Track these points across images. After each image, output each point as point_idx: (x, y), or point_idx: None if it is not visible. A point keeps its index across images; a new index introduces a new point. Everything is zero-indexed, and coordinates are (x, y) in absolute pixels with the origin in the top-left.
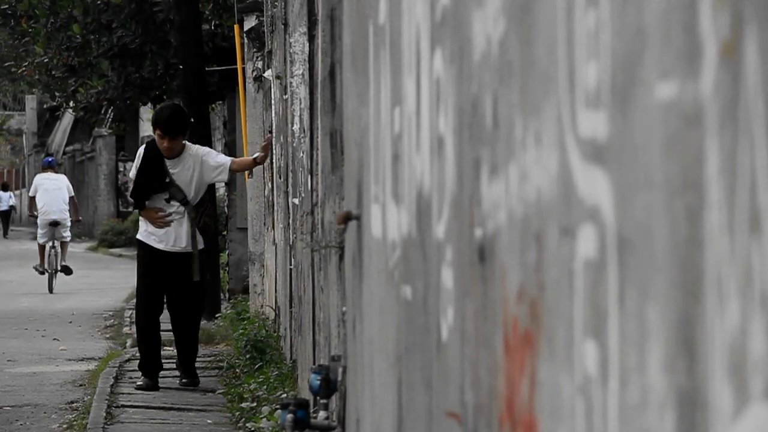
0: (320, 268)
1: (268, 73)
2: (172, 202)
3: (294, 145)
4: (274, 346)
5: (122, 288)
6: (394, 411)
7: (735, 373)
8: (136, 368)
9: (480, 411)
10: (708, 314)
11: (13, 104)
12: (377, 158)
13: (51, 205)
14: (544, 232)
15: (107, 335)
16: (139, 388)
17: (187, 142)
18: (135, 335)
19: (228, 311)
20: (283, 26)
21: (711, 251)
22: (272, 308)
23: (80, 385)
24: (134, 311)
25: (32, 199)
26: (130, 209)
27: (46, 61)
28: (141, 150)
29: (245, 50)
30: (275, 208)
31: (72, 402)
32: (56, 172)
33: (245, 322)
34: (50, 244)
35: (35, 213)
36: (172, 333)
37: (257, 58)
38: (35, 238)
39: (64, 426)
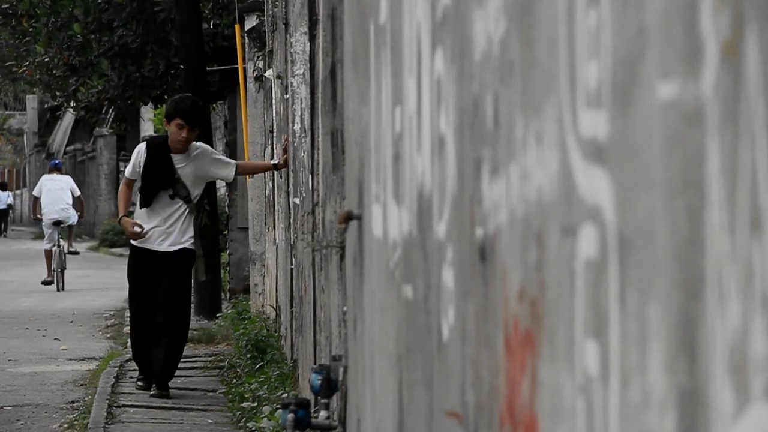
0: (321, 267)
1: (269, 73)
2: (175, 199)
3: (295, 144)
4: (275, 345)
5: (123, 288)
6: (395, 411)
7: (736, 372)
8: (137, 368)
9: (481, 411)
10: (709, 314)
11: (14, 104)
12: (378, 158)
13: (53, 205)
14: (545, 231)
15: (108, 335)
16: (140, 388)
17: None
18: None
19: (229, 311)
20: (284, 26)
21: (712, 251)
22: (273, 308)
23: (81, 385)
24: (129, 319)
25: (36, 200)
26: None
27: (46, 60)
28: (141, 147)
29: (246, 50)
30: (276, 207)
31: (73, 401)
32: (61, 174)
33: (246, 321)
34: (56, 247)
35: (39, 216)
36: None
37: (258, 57)
38: (36, 238)
39: (65, 426)
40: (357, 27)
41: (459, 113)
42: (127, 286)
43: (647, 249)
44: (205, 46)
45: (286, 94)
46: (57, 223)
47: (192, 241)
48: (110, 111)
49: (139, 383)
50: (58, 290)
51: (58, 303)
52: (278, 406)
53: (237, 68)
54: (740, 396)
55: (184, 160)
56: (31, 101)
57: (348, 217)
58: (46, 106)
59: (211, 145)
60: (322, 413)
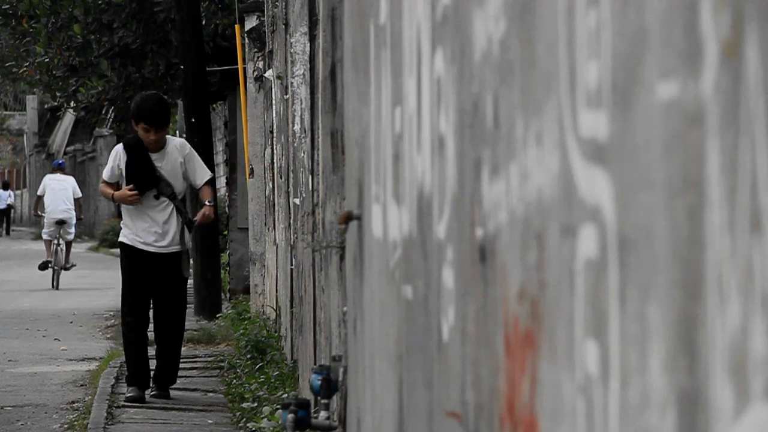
0: (321, 268)
1: (269, 73)
2: (161, 198)
3: (295, 145)
4: (275, 346)
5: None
6: (395, 411)
7: (736, 372)
8: (125, 359)
9: (481, 411)
10: (709, 314)
11: (14, 104)
12: (378, 158)
13: (56, 205)
14: (545, 231)
15: (108, 335)
16: (129, 400)
17: (167, 137)
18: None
19: (229, 311)
20: (284, 26)
21: (712, 251)
22: (273, 308)
23: (81, 385)
24: (120, 321)
25: (39, 198)
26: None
27: (47, 60)
28: (119, 149)
29: (246, 50)
30: (276, 208)
31: (73, 402)
32: (65, 174)
33: (246, 322)
34: (56, 241)
35: (40, 213)
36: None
37: (258, 58)
38: (37, 238)
39: (65, 426)
40: (357, 27)
41: (459, 113)
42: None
43: (647, 249)
44: (205, 47)
45: (286, 94)
46: (59, 222)
47: (183, 241)
48: (110, 111)
49: (129, 394)
50: (53, 287)
51: (58, 303)
52: (278, 406)
53: (237, 68)
54: (740, 396)
55: (163, 158)
56: (31, 101)
57: (348, 218)
58: (46, 106)
59: (211, 146)
60: (322, 413)
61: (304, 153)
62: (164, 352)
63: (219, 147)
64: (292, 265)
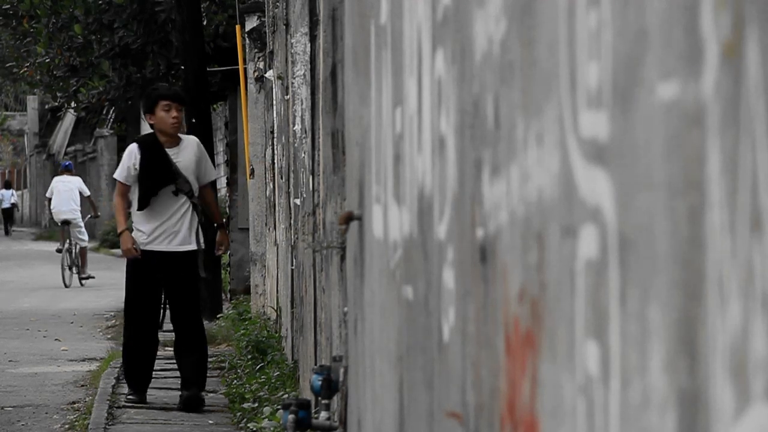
0: (322, 268)
1: (269, 74)
2: (179, 195)
3: (295, 145)
4: (276, 346)
5: (124, 288)
6: (395, 411)
7: (736, 373)
8: (124, 370)
9: (481, 411)
10: (709, 314)
11: (14, 104)
12: (379, 158)
13: (61, 206)
14: (546, 232)
15: (109, 336)
16: (130, 401)
17: (179, 135)
18: (122, 351)
19: (229, 312)
20: (284, 26)
21: (712, 251)
22: (274, 309)
23: (82, 386)
24: (124, 326)
25: (50, 201)
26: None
27: (47, 61)
28: (133, 148)
29: (247, 51)
30: (277, 208)
31: (73, 402)
32: (71, 175)
33: (247, 322)
34: (69, 242)
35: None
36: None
37: (259, 58)
38: (37, 239)
39: (66, 426)
40: (357, 27)
41: (459, 114)
42: (125, 288)
43: (648, 249)
44: (205, 47)
45: (287, 94)
46: (65, 223)
47: (198, 240)
48: (111, 112)
49: (130, 396)
50: (65, 286)
51: (58, 303)
52: (279, 406)
53: (238, 69)
54: (741, 396)
55: (180, 153)
56: (32, 102)
57: (349, 218)
58: (46, 106)
59: (212, 146)
60: (323, 414)
61: (304, 153)
62: (192, 354)
63: (220, 147)
64: (292, 265)
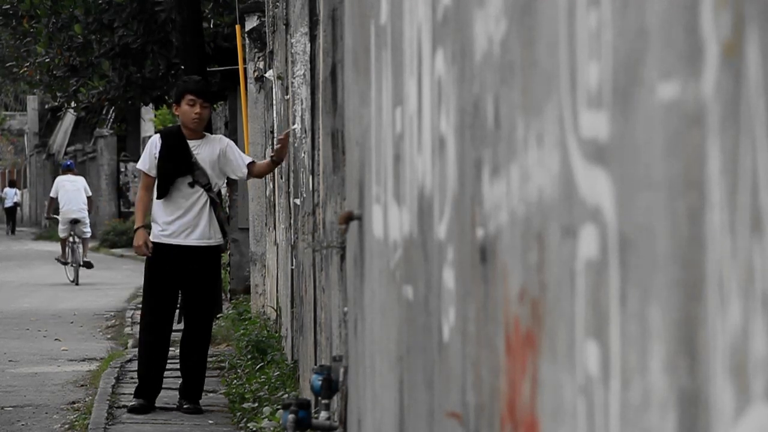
0: (322, 268)
1: (269, 74)
2: (195, 187)
3: (295, 145)
4: (276, 346)
5: (124, 288)
6: (395, 411)
7: (736, 373)
8: (138, 368)
9: (481, 411)
10: (709, 314)
11: (14, 104)
12: (379, 158)
13: (71, 205)
14: (546, 232)
15: (109, 336)
16: (132, 410)
17: (204, 132)
18: (137, 348)
19: (229, 312)
20: (284, 26)
21: (712, 251)
22: (274, 309)
23: (82, 386)
24: (139, 326)
25: (53, 200)
26: (132, 209)
27: (47, 61)
28: (155, 138)
29: (247, 50)
30: (277, 208)
31: (73, 402)
32: (75, 175)
33: (247, 322)
34: (71, 239)
35: (52, 215)
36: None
37: (259, 58)
38: (38, 239)
39: (66, 426)
40: (357, 27)
41: (460, 114)
42: (129, 286)
43: (648, 249)
44: (205, 47)
45: (287, 94)
46: (74, 221)
47: (221, 237)
48: (111, 112)
49: (134, 403)
50: (71, 282)
51: (58, 303)
52: (279, 406)
53: (238, 69)
54: (741, 396)
55: (201, 147)
56: (32, 102)
57: (348, 218)
58: (46, 106)
59: None
60: (323, 414)
61: (304, 153)
62: (190, 359)
63: None
64: (292, 265)
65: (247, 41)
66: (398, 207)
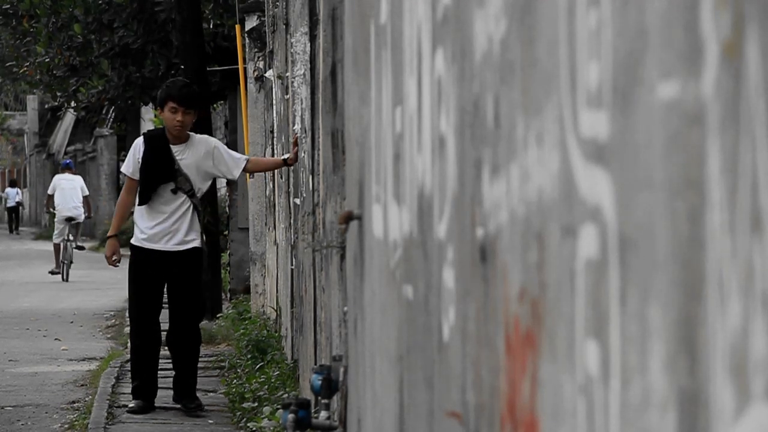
0: (321, 268)
1: (269, 73)
2: (178, 194)
3: None
4: (276, 346)
5: (123, 287)
6: (395, 411)
7: (736, 373)
8: (131, 371)
9: (481, 411)
10: (709, 314)
11: (14, 104)
12: (379, 158)
13: (66, 203)
14: (546, 231)
15: (108, 335)
16: (132, 411)
17: (190, 133)
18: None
19: (229, 311)
20: (284, 26)
21: (712, 251)
22: (273, 308)
23: (82, 385)
24: (130, 326)
25: (50, 197)
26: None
27: (47, 60)
28: (138, 141)
29: (246, 50)
30: (276, 208)
31: (73, 402)
32: (73, 174)
33: (246, 322)
34: (65, 238)
35: (51, 210)
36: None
37: (258, 58)
38: (37, 238)
39: (66, 426)
40: (357, 27)
41: (459, 113)
42: (127, 287)
43: (648, 249)
44: (205, 47)
45: (287, 94)
46: (69, 220)
47: (199, 239)
48: (111, 111)
49: (132, 405)
50: (63, 280)
51: (58, 303)
52: (279, 406)
53: (237, 68)
54: (741, 396)
55: (185, 152)
56: (32, 101)
57: (348, 218)
58: (46, 106)
59: None
60: (323, 413)
61: (304, 153)
62: (180, 359)
63: None
64: (292, 265)
65: (247, 41)
66: (398, 206)
